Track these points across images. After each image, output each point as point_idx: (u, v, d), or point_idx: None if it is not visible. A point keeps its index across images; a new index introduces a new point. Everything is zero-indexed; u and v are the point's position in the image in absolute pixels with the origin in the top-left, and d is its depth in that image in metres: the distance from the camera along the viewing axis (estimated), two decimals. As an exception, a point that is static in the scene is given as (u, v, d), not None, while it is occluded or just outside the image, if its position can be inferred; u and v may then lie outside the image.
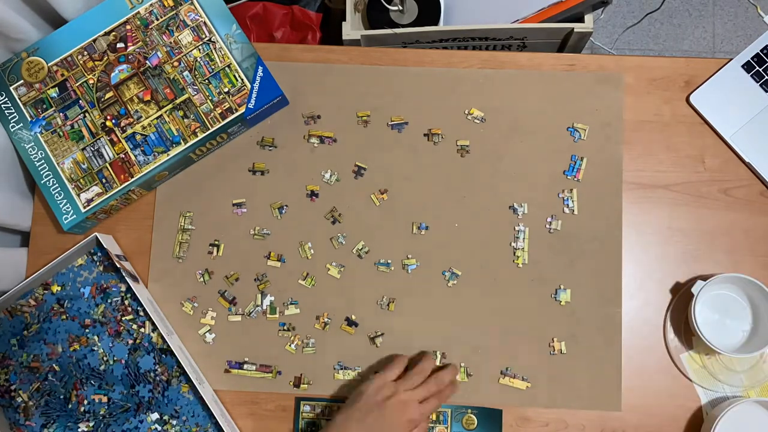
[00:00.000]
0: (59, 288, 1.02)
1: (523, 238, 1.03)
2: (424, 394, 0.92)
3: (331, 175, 1.05)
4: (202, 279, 1.04)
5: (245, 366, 1.02)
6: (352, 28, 1.22)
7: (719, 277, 0.96)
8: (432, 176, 1.05)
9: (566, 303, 1.02)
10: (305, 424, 1.00)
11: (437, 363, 1.01)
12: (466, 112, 1.06)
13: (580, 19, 1.21)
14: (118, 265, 0.99)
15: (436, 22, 1.26)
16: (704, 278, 0.96)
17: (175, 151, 1.02)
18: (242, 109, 1.02)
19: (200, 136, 1.02)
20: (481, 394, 1.00)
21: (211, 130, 1.02)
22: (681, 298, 1.01)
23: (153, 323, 0.99)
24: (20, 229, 1.05)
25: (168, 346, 0.97)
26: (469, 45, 1.28)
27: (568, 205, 1.03)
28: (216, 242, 1.05)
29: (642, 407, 0.99)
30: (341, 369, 1.02)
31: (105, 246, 0.99)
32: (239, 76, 1.03)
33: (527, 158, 1.05)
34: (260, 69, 1.03)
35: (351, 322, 1.03)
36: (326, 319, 1.03)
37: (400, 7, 1.25)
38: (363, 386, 0.92)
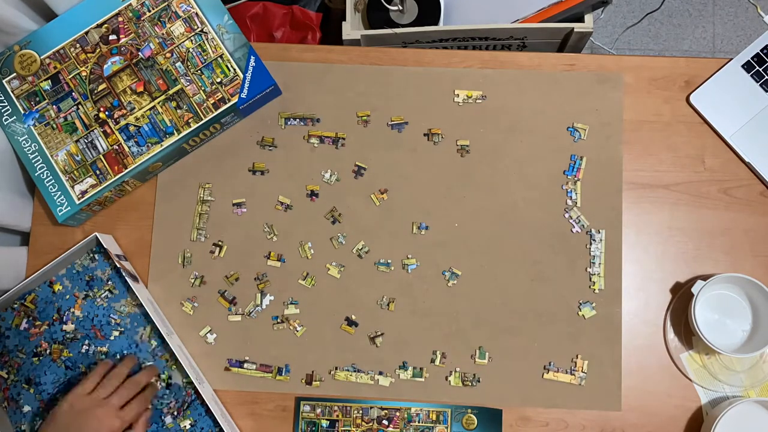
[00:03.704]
0: (61, 287, 1.02)
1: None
2: (120, 400, 0.90)
3: (331, 175, 1.06)
4: (197, 282, 1.04)
5: (245, 365, 1.02)
6: (352, 28, 1.22)
7: (719, 277, 0.96)
8: (432, 176, 1.05)
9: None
10: (305, 424, 1.00)
11: (436, 363, 1.01)
12: (457, 93, 1.06)
13: (580, 19, 1.21)
14: (118, 265, 0.99)
15: (436, 22, 1.26)
16: (704, 278, 0.96)
17: (168, 142, 1.02)
18: (235, 99, 1.02)
19: (193, 126, 1.02)
20: (481, 394, 1.00)
21: (204, 120, 1.02)
22: (681, 298, 1.01)
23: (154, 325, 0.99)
24: (20, 230, 1.05)
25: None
26: (469, 45, 1.28)
27: (571, 197, 1.03)
28: (219, 243, 1.05)
29: (642, 407, 0.99)
30: (341, 369, 1.02)
31: (105, 246, 0.99)
32: (231, 66, 1.03)
33: (527, 158, 1.05)
34: (252, 59, 1.03)
35: (351, 322, 1.03)
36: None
37: (400, 7, 1.25)
38: (56, 407, 0.89)
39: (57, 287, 1.02)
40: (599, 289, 1.01)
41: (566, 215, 1.03)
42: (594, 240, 1.02)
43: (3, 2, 0.96)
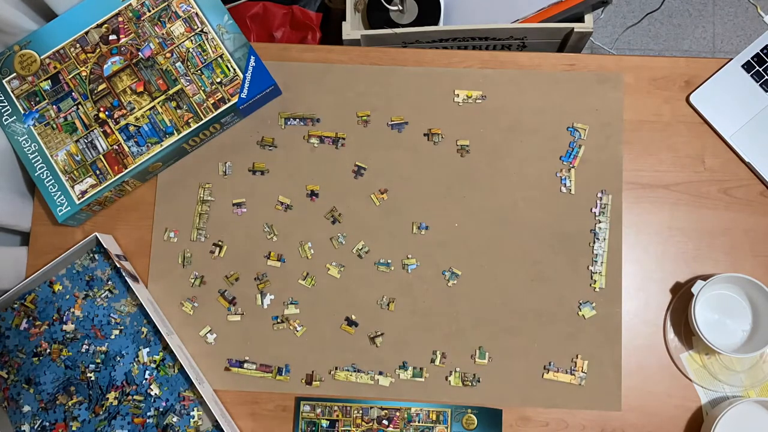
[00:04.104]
0: (61, 287, 1.02)
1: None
2: None
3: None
4: (197, 282, 1.04)
5: (245, 365, 1.02)
6: (352, 28, 1.22)
7: (719, 277, 0.96)
8: (432, 176, 1.05)
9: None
10: (305, 424, 1.00)
11: (436, 363, 1.01)
12: (457, 93, 1.06)
13: (580, 19, 1.21)
14: (118, 265, 0.99)
15: (436, 22, 1.26)
16: (704, 278, 0.96)
17: (168, 142, 1.02)
18: (235, 99, 1.02)
19: (193, 126, 1.02)
20: (481, 394, 1.00)
21: (204, 120, 1.02)
22: (681, 298, 1.01)
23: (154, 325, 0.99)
24: (20, 230, 1.05)
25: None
26: (469, 45, 1.28)
27: (565, 184, 1.03)
28: (219, 243, 1.05)
29: (642, 407, 0.99)
30: (341, 369, 1.02)
31: (105, 246, 0.99)
32: (231, 66, 1.03)
33: (527, 158, 1.05)
34: (252, 59, 1.03)
35: (351, 322, 1.03)
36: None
37: (400, 7, 1.25)
38: None
39: (57, 287, 1.02)
40: (600, 287, 1.01)
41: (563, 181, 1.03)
42: (597, 239, 1.02)
43: (3, 2, 0.96)
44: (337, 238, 1.04)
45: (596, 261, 1.02)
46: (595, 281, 1.01)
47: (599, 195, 1.03)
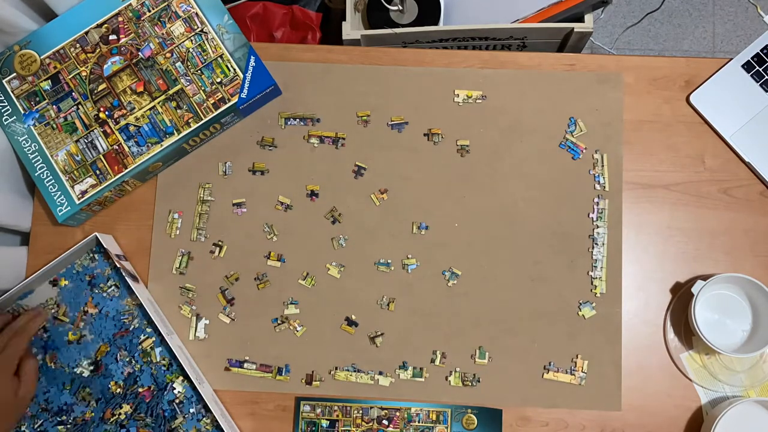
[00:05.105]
0: (67, 282, 1.02)
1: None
2: None
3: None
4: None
5: (245, 365, 1.02)
6: (352, 27, 1.22)
7: (719, 277, 0.96)
8: (432, 176, 1.05)
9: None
10: (305, 424, 1.00)
11: (436, 363, 1.01)
12: (457, 93, 1.06)
13: (580, 19, 1.21)
14: (118, 265, 0.99)
15: (436, 22, 1.26)
16: (704, 278, 0.96)
17: (168, 142, 1.02)
18: (235, 99, 1.02)
19: (193, 126, 1.02)
20: (481, 394, 1.00)
21: (204, 120, 1.02)
22: (681, 298, 1.01)
23: (154, 325, 0.99)
24: (20, 230, 1.05)
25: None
26: (469, 45, 1.28)
27: (599, 181, 1.03)
28: (219, 243, 1.05)
29: (642, 407, 0.99)
30: (341, 369, 1.02)
31: (105, 246, 0.99)
32: (231, 66, 1.03)
33: (527, 158, 1.05)
34: (252, 59, 1.03)
35: (351, 322, 1.03)
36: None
37: (400, 7, 1.25)
38: None
39: (63, 282, 1.02)
40: (601, 293, 1.01)
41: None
42: (596, 243, 1.02)
43: (3, 2, 0.96)
44: (338, 239, 1.04)
45: (596, 266, 1.02)
46: (596, 287, 1.01)
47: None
